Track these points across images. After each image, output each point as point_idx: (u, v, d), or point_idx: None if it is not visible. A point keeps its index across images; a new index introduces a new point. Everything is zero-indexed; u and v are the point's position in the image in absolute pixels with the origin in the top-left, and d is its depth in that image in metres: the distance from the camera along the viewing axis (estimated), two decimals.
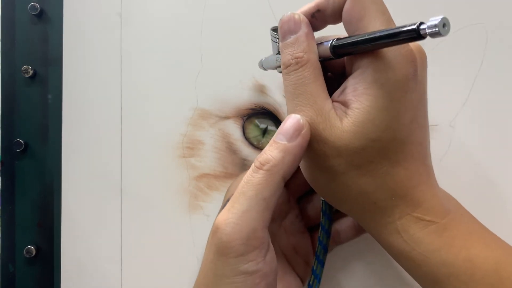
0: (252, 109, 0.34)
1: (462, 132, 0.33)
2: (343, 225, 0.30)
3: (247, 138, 0.34)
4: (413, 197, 0.23)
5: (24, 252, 0.35)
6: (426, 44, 0.33)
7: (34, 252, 0.35)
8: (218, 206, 0.34)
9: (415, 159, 0.23)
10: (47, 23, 0.36)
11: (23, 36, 0.36)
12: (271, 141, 0.23)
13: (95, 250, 0.35)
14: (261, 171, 0.22)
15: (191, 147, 0.35)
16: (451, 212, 0.23)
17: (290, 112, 0.24)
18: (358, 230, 0.30)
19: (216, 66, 0.35)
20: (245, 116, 0.34)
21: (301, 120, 0.23)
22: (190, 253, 0.34)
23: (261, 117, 0.34)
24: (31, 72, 0.36)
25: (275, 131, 0.34)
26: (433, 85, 0.33)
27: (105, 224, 0.35)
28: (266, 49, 0.34)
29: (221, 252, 0.22)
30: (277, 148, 0.23)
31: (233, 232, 0.22)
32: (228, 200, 0.29)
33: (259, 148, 0.34)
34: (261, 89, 0.34)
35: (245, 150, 0.34)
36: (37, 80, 0.36)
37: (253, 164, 0.23)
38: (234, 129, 0.34)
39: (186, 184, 0.35)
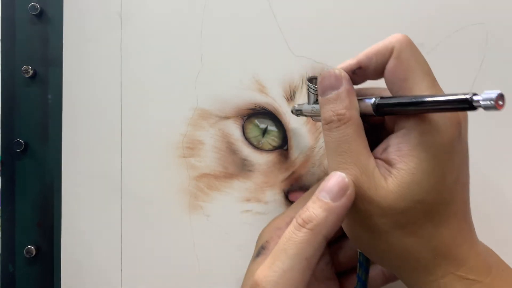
0: (252, 109, 0.34)
1: None
2: (372, 272, 0.30)
3: (247, 138, 0.34)
4: (457, 256, 0.23)
5: (24, 252, 0.35)
6: (425, 44, 0.33)
7: (34, 252, 0.35)
8: (218, 206, 0.34)
9: (458, 218, 0.23)
10: (47, 23, 0.36)
11: (23, 36, 0.36)
12: (314, 198, 0.23)
13: (95, 250, 0.35)
14: (304, 230, 0.22)
15: (191, 147, 0.35)
16: (493, 268, 0.23)
17: (333, 169, 0.23)
18: (388, 278, 0.30)
19: (216, 66, 0.35)
20: (245, 116, 0.34)
21: (346, 179, 0.22)
22: (190, 253, 0.34)
23: (261, 117, 0.34)
24: (31, 72, 0.36)
25: (275, 131, 0.34)
26: None
27: (105, 224, 0.35)
28: (267, 49, 0.34)
29: None
30: (321, 207, 0.22)
31: None
32: (262, 247, 0.29)
33: (259, 148, 0.34)
34: (261, 89, 0.34)
35: (245, 150, 0.34)
36: (37, 80, 0.36)
37: (294, 220, 0.23)
38: (234, 129, 0.34)
39: (186, 184, 0.35)
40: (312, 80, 0.26)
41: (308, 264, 0.22)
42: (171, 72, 0.35)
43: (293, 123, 0.34)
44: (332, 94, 0.24)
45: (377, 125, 0.26)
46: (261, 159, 0.34)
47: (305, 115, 0.30)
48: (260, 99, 0.34)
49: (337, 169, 0.23)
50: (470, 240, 0.24)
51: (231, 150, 0.34)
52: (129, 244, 0.35)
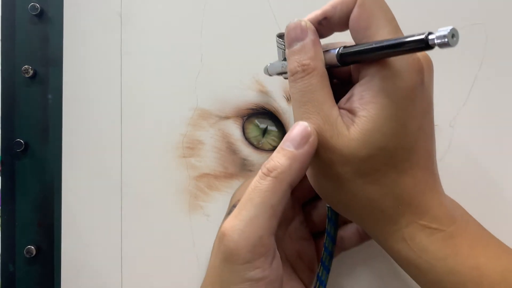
0: (252, 109, 0.34)
1: (462, 132, 0.33)
2: (347, 231, 0.30)
3: (247, 138, 0.34)
4: (420, 205, 0.23)
5: (24, 252, 0.35)
6: None
7: (34, 252, 0.35)
8: (218, 206, 0.34)
9: (421, 167, 0.23)
10: (47, 23, 0.36)
11: (23, 36, 0.36)
12: (278, 148, 0.23)
13: (95, 250, 0.35)
14: (269, 178, 0.22)
15: (191, 147, 0.35)
16: (458, 219, 0.23)
17: (297, 119, 0.24)
18: (363, 237, 0.30)
19: (216, 66, 0.35)
20: (245, 116, 0.34)
21: (309, 128, 0.23)
22: (190, 253, 0.34)
23: (261, 117, 0.34)
24: (31, 72, 0.36)
25: (275, 131, 0.34)
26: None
27: (105, 224, 0.35)
28: (266, 49, 0.34)
29: (228, 259, 0.22)
30: (284, 155, 0.23)
31: (240, 239, 0.22)
32: (234, 206, 0.29)
33: (259, 148, 0.34)
34: (261, 89, 0.34)
35: (245, 150, 0.34)
36: (37, 80, 0.36)
37: (260, 171, 0.23)
38: (234, 129, 0.34)
39: (186, 184, 0.35)
40: (281, 36, 0.26)
41: (274, 211, 0.22)
42: (171, 72, 0.35)
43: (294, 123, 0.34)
44: (298, 45, 0.24)
45: (346, 80, 0.26)
46: (261, 159, 0.34)
47: (277, 74, 0.30)
48: (260, 99, 0.34)
49: (301, 119, 0.24)
50: (434, 190, 0.24)
51: (231, 150, 0.34)
52: (129, 244, 0.35)
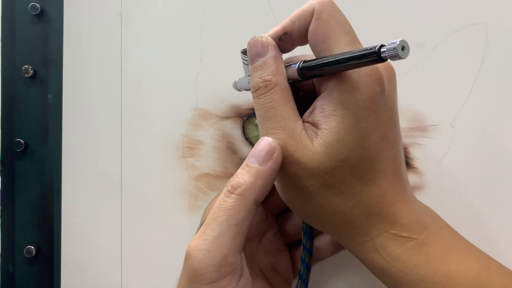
0: (252, 109, 0.34)
1: (463, 132, 0.33)
2: (322, 241, 0.30)
3: (247, 138, 0.34)
4: (389, 214, 0.23)
5: (24, 252, 0.35)
6: (426, 44, 0.33)
7: (34, 252, 0.35)
8: None
9: (388, 176, 0.23)
10: (47, 23, 0.36)
11: (23, 36, 0.36)
12: (243, 164, 0.23)
13: (95, 250, 0.35)
14: (233, 196, 0.22)
15: (191, 147, 0.35)
16: (429, 226, 0.23)
17: (262, 135, 0.24)
18: (337, 247, 0.30)
19: (216, 66, 0.35)
20: (245, 116, 0.34)
21: (273, 143, 0.23)
22: None
23: None
24: (31, 72, 0.36)
25: None
26: (433, 85, 0.33)
27: (105, 224, 0.35)
28: None
29: (193, 279, 0.22)
30: (248, 172, 0.23)
31: (205, 259, 0.22)
32: (203, 223, 0.29)
33: None
34: None
35: (245, 150, 0.34)
36: (37, 80, 0.36)
37: (225, 188, 0.23)
38: (234, 129, 0.34)
39: (186, 184, 0.35)
40: (245, 52, 0.26)
41: (239, 229, 0.22)
42: (171, 72, 0.35)
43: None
44: (259, 61, 0.24)
45: (312, 92, 0.26)
46: None
47: (244, 89, 0.30)
48: None
49: (265, 134, 0.24)
50: (403, 199, 0.24)
51: (231, 150, 0.34)
52: (129, 244, 0.35)
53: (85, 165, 0.35)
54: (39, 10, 0.35)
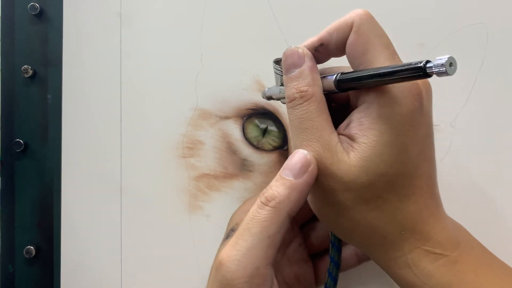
0: (252, 109, 0.34)
1: (463, 132, 0.33)
2: (345, 252, 0.30)
3: (247, 138, 0.34)
4: (423, 230, 0.23)
5: (24, 252, 0.35)
6: (426, 44, 0.33)
7: (34, 252, 0.35)
8: (218, 206, 0.34)
9: (423, 192, 0.23)
10: (47, 23, 0.36)
11: (23, 36, 0.36)
12: (277, 176, 0.23)
13: (95, 250, 0.35)
14: (267, 208, 0.22)
15: (191, 147, 0.35)
16: (461, 243, 0.23)
17: (297, 146, 0.24)
18: (361, 258, 0.30)
19: (216, 66, 0.35)
20: (245, 116, 0.34)
21: (308, 156, 0.23)
22: (189, 253, 0.34)
23: (261, 117, 0.34)
24: (31, 72, 0.35)
25: (275, 131, 0.34)
26: (433, 85, 0.33)
27: (105, 224, 0.35)
28: (267, 49, 0.34)
29: None
30: (283, 185, 0.22)
31: (237, 270, 0.21)
32: (232, 230, 0.29)
33: (259, 148, 0.34)
34: (261, 89, 0.34)
35: (245, 150, 0.34)
36: (37, 80, 0.36)
37: (258, 199, 0.23)
38: (234, 129, 0.34)
39: (186, 184, 0.35)
40: (278, 62, 0.26)
41: (272, 241, 0.22)
42: (171, 72, 0.35)
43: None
44: (295, 72, 0.24)
45: (345, 103, 0.26)
46: (261, 159, 0.34)
47: (275, 98, 0.30)
48: (260, 99, 0.34)
49: (300, 146, 0.23)
50: (437, 214, 0.24)
51: (231, 150, 0.34)
52: (129, 244, 0.35)
53: (85, 165, 0.35)
54: (38, 10, 0.35)
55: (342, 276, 0.31)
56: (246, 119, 0.34)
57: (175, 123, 0.35)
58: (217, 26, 0.35)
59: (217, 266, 0.22)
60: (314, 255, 0.31)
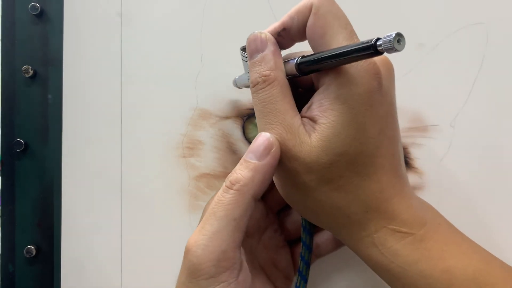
0: (252, 109, 0.34)
1: (463, 132, 0.33)
2: (322, 238, 0.30)
3: (247, 138, 0.34)
4: (387, 209, 0.23)
5: (24, 252, 0.35)
6: (426, 44, 0.33)
7: (34, 252, 0.35)
8: None
9: (386, 171, 0.23)
10: (47, 23, 0.36)
11: (23, 36, 0.36)
12: (241, 160, 0.23)
13: (95, 250, 0.35)
14: (231, 191, 0.22)
15: (191, 147, 0.35)
16: (428, 222, 0.23)
17: (260, 130, 0.24)
18: (338, 243, 0.30)
19: (216, 66, 0.35)
20: (245, 116, 0.34)
21: (271, 138, 0.23)
22: None
23: None
24: (31, 72, 0.36)
25: None
26: (433, 85, 0.33)
27: (105, 224, 0.35)
28: None
29: (192, 274, 0.22)
30: (247, 167, 0.23)
31: (204, 254, 0.22)
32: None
33: None
34: None
35: (245, 150, 0.34)
36: (37, 80, 0.36)
37: (224, 184, 0.23)
38: (234, 129, 0.34)
39: (186, 184, 0.35)
40: (245, 48, 0.26)
41: (237, 224, 0.22)
42: (171, 72, 0.35)
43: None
44: (258, 57, 0.24)
45: (311, 87, 0.26)
46: None
47: (244, 86, 0.30)
48: None
49: (264, 129, 0.24)
50: (402, 194, 0.24)
51: (231, 150, 0.34)
52: (129, 244, 0.35)
53: (85, 165, 0.35)
54: (39, 10, 0.35)
55: (320, 262, 0.31)
56: (246, 119, 0.34)
57: (175, 123, 0.35)
58: (217, 26, 0.35)
59: (185, 252, 0.23)
60: (292, 241, 0.31)
